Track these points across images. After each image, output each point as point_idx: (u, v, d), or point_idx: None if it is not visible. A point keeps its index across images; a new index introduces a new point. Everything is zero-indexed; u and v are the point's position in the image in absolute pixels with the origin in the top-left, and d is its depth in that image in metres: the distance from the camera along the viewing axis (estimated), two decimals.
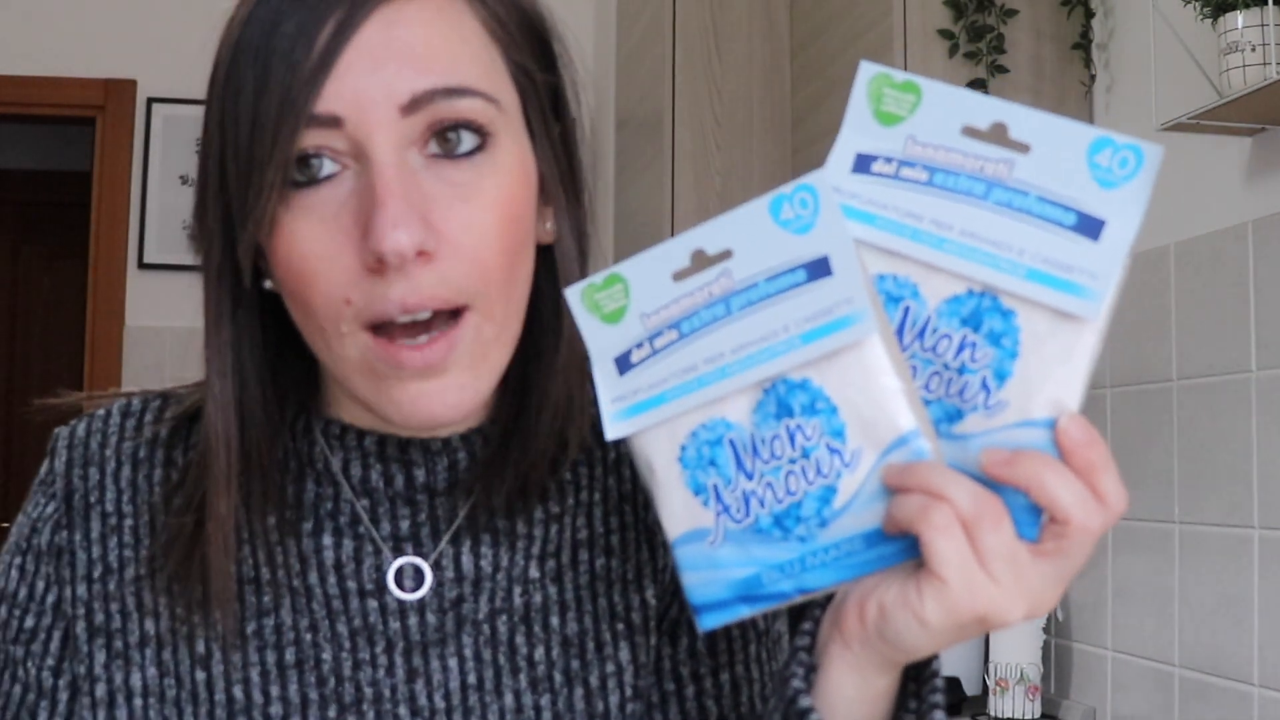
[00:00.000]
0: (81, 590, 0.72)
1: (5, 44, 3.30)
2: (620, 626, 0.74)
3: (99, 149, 3.32)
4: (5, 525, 4.26)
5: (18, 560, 0.74)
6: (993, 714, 2.07)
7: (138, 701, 0.71)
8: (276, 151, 0.61)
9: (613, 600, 0.74)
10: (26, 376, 4.82)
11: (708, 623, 0.59)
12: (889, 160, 0.58)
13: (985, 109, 0.56)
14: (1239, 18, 1.62)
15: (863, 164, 0.58)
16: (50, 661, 0.72)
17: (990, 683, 2.08)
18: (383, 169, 0.61)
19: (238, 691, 0.70)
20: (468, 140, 0.64)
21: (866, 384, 0.55)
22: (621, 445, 0.76)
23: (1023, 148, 0.56)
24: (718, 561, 0.58)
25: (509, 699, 0.72)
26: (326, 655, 0.70)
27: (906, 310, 0.57)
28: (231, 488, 0.68)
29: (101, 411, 0.76)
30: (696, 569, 0.59)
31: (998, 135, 0.56)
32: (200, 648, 0.71)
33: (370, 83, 0.61)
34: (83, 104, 3.31)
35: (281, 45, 0.61)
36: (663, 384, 0.59)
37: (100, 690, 0.71)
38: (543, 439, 0.71)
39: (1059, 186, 0.55)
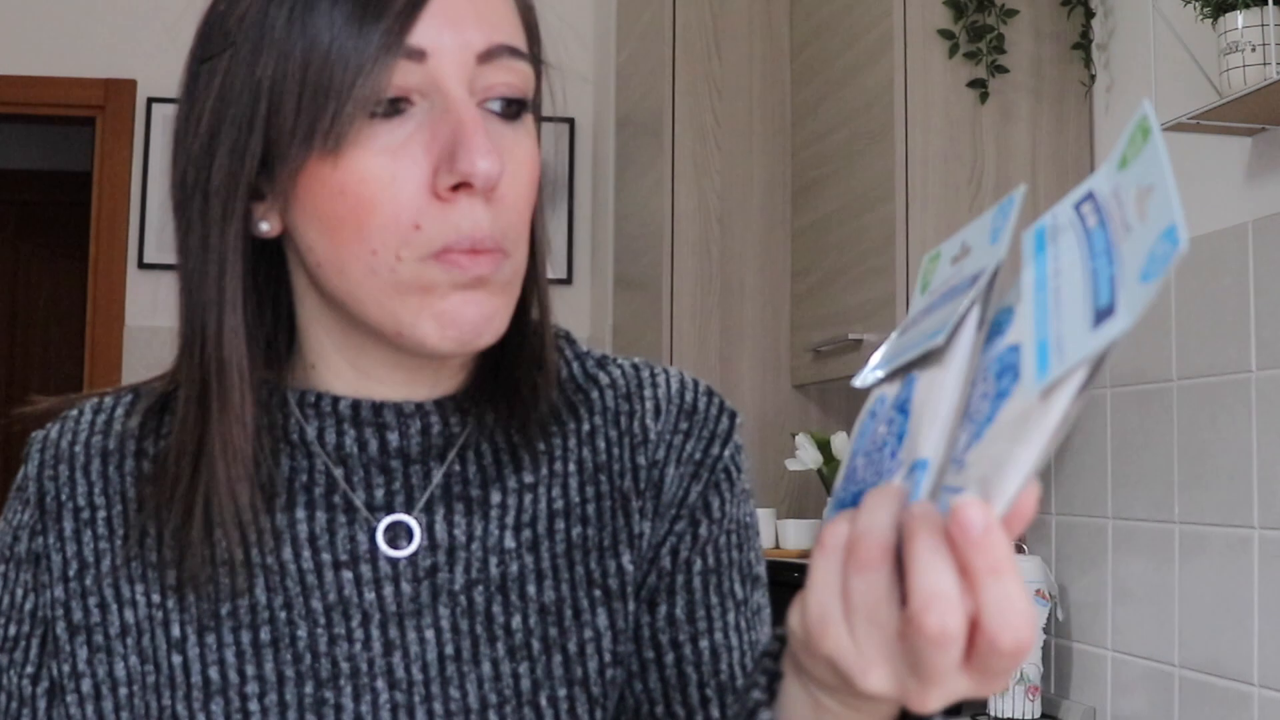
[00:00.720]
0: (59, 592, 0.74)
1: (5, 44, 3.30)
2: (597, 593, 0.75)
3: (99, 149, 3.32)
4: None
5: (0, 569, 0.75)
6: (993, 714, 2.07)
7: (123, 691, 0.72)
8: (365, 79, 0.65)
9: (589, 568, 0.75)
10: (26, 376, 4.82)
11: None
12: (1092, 199, 0.54)
13: (1155, 169, 0.51)
14: (1239, 18, 1.62)
15: (1084, 200, 0.54)
16: (30, 669, 0.74)
17: None
18: (464, 105, 0.67)
19: (214, 673, 0.71)
20: (515, 105, 0.70)
21: (926, 400, 0.53)
22: (596, 416, 0.79)
23: (1144, 216, 0.52)
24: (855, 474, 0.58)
25: (487, 668, 0.72)
26: (302, 632, 0.71)
27: (994, 341, 0.54)
28: (246, 416, 0.69)
29: (74, 411, 0.78)
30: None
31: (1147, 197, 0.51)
32: (176, 631, 0.72)
33: (453, 30, 0.67)
34: (83, 104, 3.31)
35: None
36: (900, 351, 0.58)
37: (85, 685, 0.72)
38: (517, 404, 0.74)
39: (1129, 267, 0.50)
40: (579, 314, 3.31)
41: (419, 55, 0.66)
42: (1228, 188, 1.81)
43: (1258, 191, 1.75)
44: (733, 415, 0.81)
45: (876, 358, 0.59)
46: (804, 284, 2.55)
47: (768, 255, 2.63)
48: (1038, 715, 2.06)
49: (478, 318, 0.68)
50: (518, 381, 0.75)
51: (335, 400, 0.73)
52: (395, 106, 0.66)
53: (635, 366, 0.81)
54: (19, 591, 0.74)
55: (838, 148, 2.36)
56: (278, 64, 0.66)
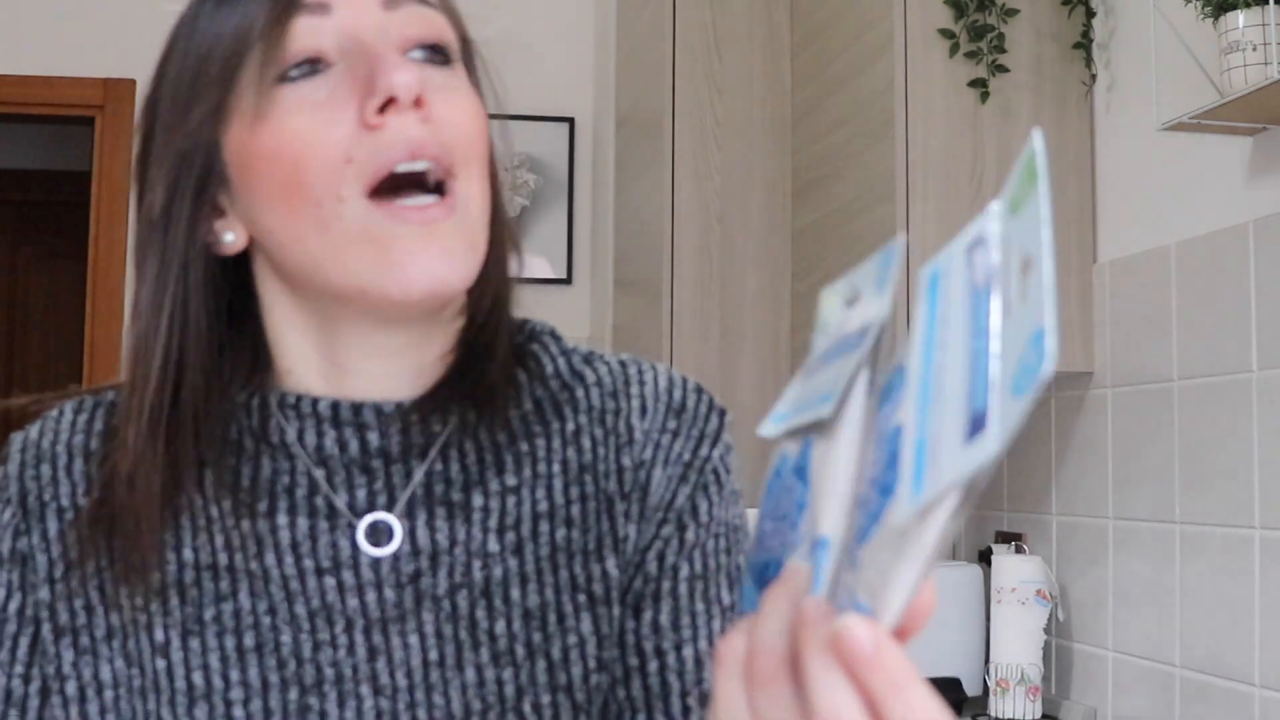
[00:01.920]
0: (44, 593, 0.73)
1: (4, 43, 3.29)
2: (582, 598, 0.74)
3: (98, 148, 3.32)
4: None
5: None
6: (993, 714, 2.07)
7: (108, 694, 0.72)
8: (266, 39, 0.66)
9: (574, 572, 0.74)
10: (25, 376, 4.82)
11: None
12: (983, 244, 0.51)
13: (1035, 242, 0.45)
14: (1240, 17, 1.62)
15: (975, 244, 0.49)
16: (19, 669, 0.73)
17: (991, 683, 2.08)
18: (375, 45, 0.67)
19: (197, 678, 0.70)
20: (438, 51, 0.70)
21: (822, 471, 0.49)
22: (581, 415, 0.77)
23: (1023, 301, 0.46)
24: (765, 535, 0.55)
25: (471, 674, 0.72)
26: (286, 638, 0.71)
27: (885, 410, 0.49)
28: (144, 416, 0.69)
29: (55, 411, 0.78)
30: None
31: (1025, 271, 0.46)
32: (159, 635, 0.71)
33: None
34: (82, 103, 3.31)
35: None
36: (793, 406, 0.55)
37: (70, 688, 0.72)
38: (494, 397, 0.74)
39: (1007, 366, 0.44)
40: (579, 314, 3.31)
41: (321, 9, 0.67)
42: (1228, 187, 1.80)
43: (1258, 191, 1.75)
44: (722, 413, 0.79)
45: (781, 406, 0.54)
46: (804, 284, 2.54)
47: (768, 255, 2.63)
48: (1038, 715, 2.06)
49: (439, 264, 0.67)
50: (493, 373, 0.74)
51: (315, 401, 0.73)
52: (313, 67, 0.67)
53: (622, 363, 0.80)
54: (2, 592, 0.74)
55: (838, 147, 2.36)
56: (186, 57, 0.69)
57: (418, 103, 0.66)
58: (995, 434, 0.42)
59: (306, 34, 0.66)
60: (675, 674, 0.74)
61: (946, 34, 2.10)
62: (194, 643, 0.71)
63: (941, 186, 2.10)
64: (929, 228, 2.09)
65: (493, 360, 0.74)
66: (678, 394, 0.79)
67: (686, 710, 0.74)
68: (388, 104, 0.66)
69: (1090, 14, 2.10)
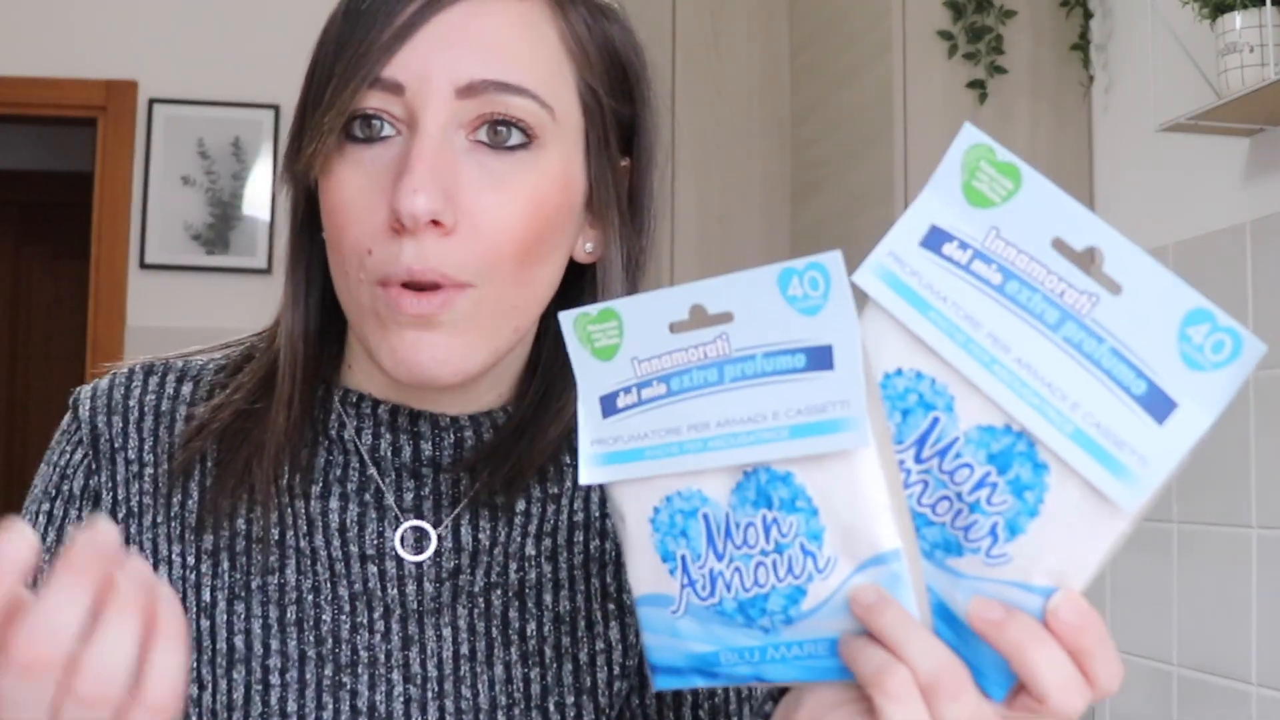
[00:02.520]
0: None
1: (7, 45, 3.30)
2: (611, 606, 0.75)
3: (100, 150, 3.32)
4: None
5: (45, 506, 0.76)
6: None
7: None
8: (339, 102, 0.67)
9: (605, 581, 0.76)
10: (28, 376, 4.83)
11: (662, 684, 0.57)
12: (965, 246, 0.51)
13: (1085, 226, 0.49)
14: (1237, 19, 1.63)
15: (935, 239, 0.52)
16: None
17: None
18: (424, 137, 0.66)
19: (239, 641, 0.72)
20: (514, 136, 0.67)
21: (853, 494, 0.51)
22: None
23: (1114, 286, 0.49)
24: (679, 631, 0.56)
25: (499, 670, 0.74)
26: (327, 616, 0.73)
27: (935, 422, 0.51)
28: (293, 408, 0.73)
29: (124, 369, 0.79)
30: (657, 632, 0.57)
31: (1089, 260, 0.49)
32: (206, 596, 0.73)
33: (437, 61, 0.66)
34: (84, 105, 3.32)
35: (366, 17, 0.67)
36: (644, 439, 0.56)
37: None
38: (551, 434, 0.74)
39: (1140, 346, 0.48)
40: None
41: (395, 88, 0.66)
42: (1226, 188, 1.81)
43: (1256, 192, 1.76)
44: None
45: (616, 445, 0.56)
46: None
47: (768, 255, 2.64)
48: None
49: (427, 358, 0.67)
50: (556, 408, 0.74)
51: (376, 404, 0.75)
52: (378, 130, 0.67)
53: None
54: (70, 529, 0.75)
55: (837, 148, 2.37)
56: (305, 85, 0.70)
57: (435, 223, 0.65)
58: (1195, 406, 0.47)
59: (375, 104, 0.67)
60: (688, 690, 0.75)
61: (945, 35, 2.11)
62: (239, 607, 0.73)
63: None
64: None
65: (551, 398, 0.75)
66: None
67: None
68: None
69: (1088, 15, 2.11)
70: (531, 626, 0.74)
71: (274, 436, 0.73)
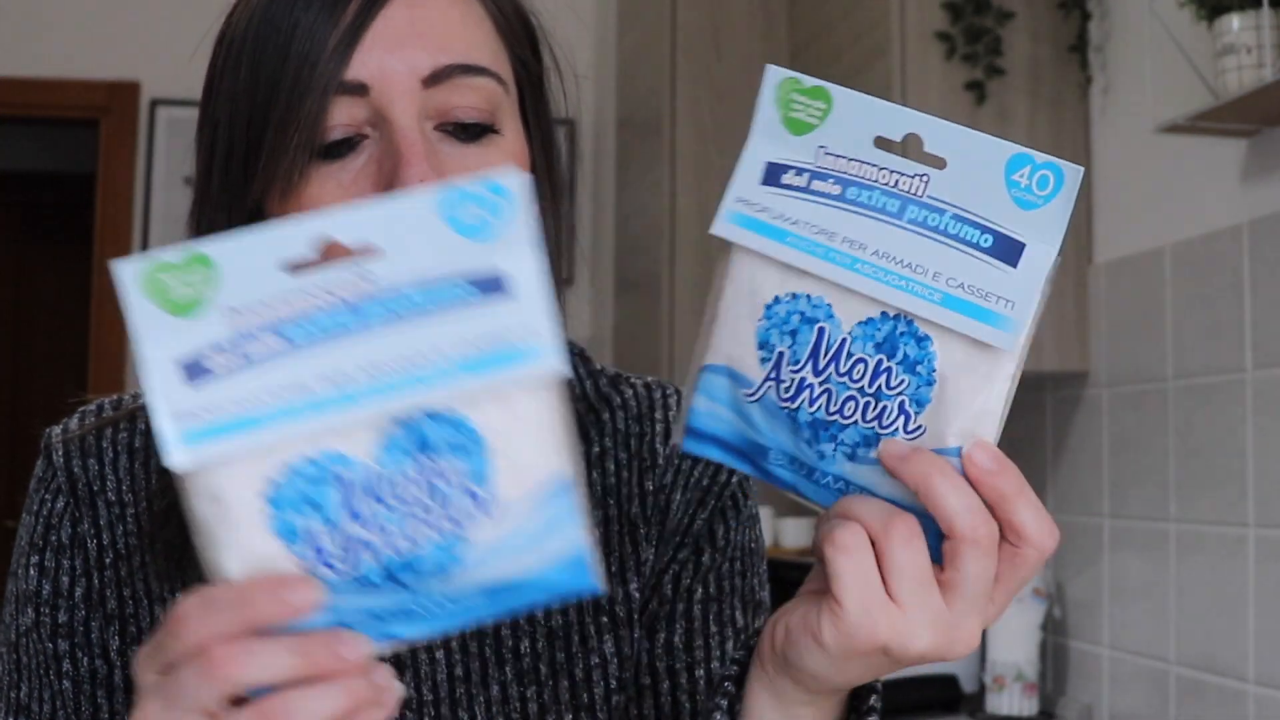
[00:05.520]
0: (95, 580, 0.74)
1: (9, 46, 3.31)
2: (604, 619, 0.75)
3: (103, 151, 3.33)
4: (10, 524, 4.27)
5: (35, 559, 0.75)
6: (990, 711, 2.08)
7: None
8: (302, 116, 0.63)
9: None
10: (31, 377, 4.84)
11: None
12: (800, 171, 0.55)
13: (899, 119, 0.54)
14: (1234, 20, 1.63)
15: (773, 175, 0.56)
16: (98, 649, 0.74)
17: (987, 680, 2.09)
18: (407, 132, 0.64)
19: None
20: (477, 124, 0.67)
21: (540, 430, 0.48)
22: (607, 438, 0.77)
23: (938, 162, 0.53)
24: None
25: (495, 690, 0.73)
26: None
27: (821, 332, 0.54)
28: None
29: (91, 406, 0.78)
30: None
31: (912, 147, 0.54)
32: None
33: (395, 56, 0.65)
34: (86, 106, 3.32)
35: (304, 20, 0.64)
36: (256, 403, 0.47)
37: (117, 676, 0.73)
38: None
39: (976, 206, 0.53)
40: (579, 315, 3.32)
41: (360, 89, 0.64)
42: (1223, 189, 1.82)
43: (1253, 193, 1.76)
44: None
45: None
46: None
47: None
48: (1035, 712, 2.07)
49: None
50: None
51: None
52: (347, 144, 0.65)
53: (648, 386, 0.80)
54: (65, 579, 0.74)
55: None
56: (228, 104, 0.67)
57: None
58: (1046, 241, 0.52)
59: (342, 113, 0.64)
60: (686, 695, 0.75)
61: (943, 37, 2.12)
62: None
63: None
64: None
65: None
66: (657, 397, 0.80)
67: None
68: None
69: (1086, 17, 2.11)
70: (526, 644, 0.74)
71: None
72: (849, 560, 0.53)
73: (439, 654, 0.73)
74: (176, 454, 0.47)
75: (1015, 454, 2.35)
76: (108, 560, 0.74)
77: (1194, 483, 1.85)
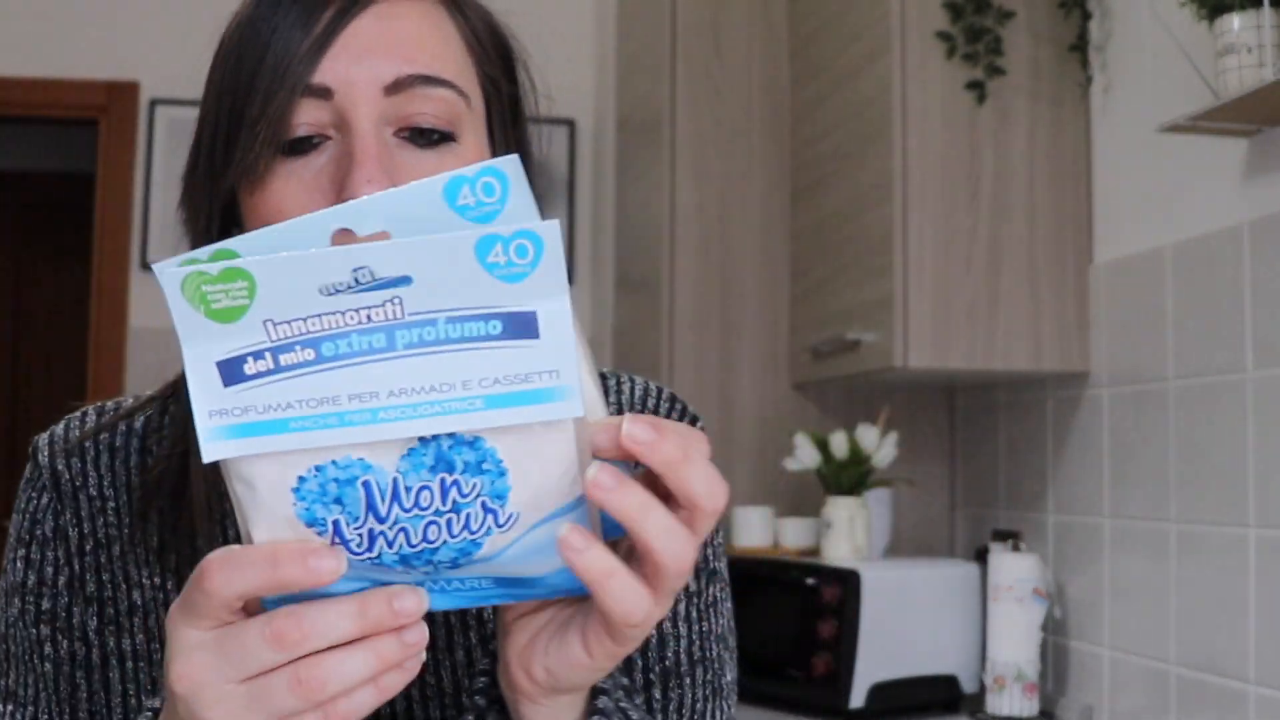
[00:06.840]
0: (76, 565, 0.79)
1: (7, 45, 3.31)
2: None
3: (102, 151, 3.33)
4: (9, 523, 4.27)
5: (21, 552, 0.81)
6: (990, 712, 2.08)
7: (129, 664, 0.78)
8: (270, 114, 0.69)
9: None
10: (30, 377, 4.84)
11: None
12: (258, 355, 0.50)
13: (335, 262, 0.49)
14: (1235, 20, 1.63)
15: (232, 372, 0.50)
16: (78, 634, 0.79)
17: (988, 680, 2.09)
18: (363, 136, 0.69)
19: None
20: (436, 132, 0.72)
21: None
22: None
23: (402, 279, 0.49)
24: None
25: (460, 655, 0.77)
26: None
27: (367, 485, 0.50)
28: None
29: (77, 412, 0.84)
30: None
31: (367, 278, 0.49)
32: None
33: (360, 64, 0.70)
34: (85, 106, 3.32)
35: (283, 26, 0.70)
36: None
37: (95, 655, 0.78)
38: None
39: (465, 301, 0.49)
40: (579, 315, 3.31)
41: (325, 93, 0.69)
42: (1224, 189, 1.82)
43: (1254, 193, 1.76)
44: (694, 420, 0.85)
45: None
46: (803, 284, 2.56)
47: (767, 255, 2.65)
48: (1035, 713, 2.07)
49: None
50: None
51: None
52: (309, 142, 0.70)
53: (602, 375, 0.84)
54: (49, 569, 0.80)
55: (837, 148, 2.38)
56: (214, 100, 0.73)
57: None
58: (554, 300, 0.50)
59: (308, 114, 0.69)
60: (638, 651, 0.80)
61: (944, 36, 2.11)
62: None
63: (939, 188, 2.11)
64: (926, 229, 2.11)
65: None
66: (651, 403, 0.85)
67: (648, 684, 0.79)
68: None
69: (1086, 16, 2.11)
70: (488, 611, 0.78)
71: (197, 479, 0.76)
72: (612, 580, 0.52)
73: None
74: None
75: (1015, 454, 2.34)
76: (88, 548, 0.79)
77: (1195, 483, 1.85)
